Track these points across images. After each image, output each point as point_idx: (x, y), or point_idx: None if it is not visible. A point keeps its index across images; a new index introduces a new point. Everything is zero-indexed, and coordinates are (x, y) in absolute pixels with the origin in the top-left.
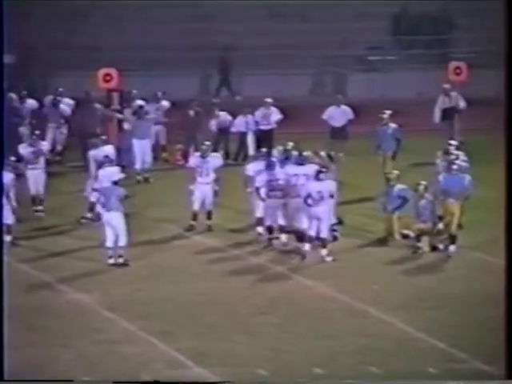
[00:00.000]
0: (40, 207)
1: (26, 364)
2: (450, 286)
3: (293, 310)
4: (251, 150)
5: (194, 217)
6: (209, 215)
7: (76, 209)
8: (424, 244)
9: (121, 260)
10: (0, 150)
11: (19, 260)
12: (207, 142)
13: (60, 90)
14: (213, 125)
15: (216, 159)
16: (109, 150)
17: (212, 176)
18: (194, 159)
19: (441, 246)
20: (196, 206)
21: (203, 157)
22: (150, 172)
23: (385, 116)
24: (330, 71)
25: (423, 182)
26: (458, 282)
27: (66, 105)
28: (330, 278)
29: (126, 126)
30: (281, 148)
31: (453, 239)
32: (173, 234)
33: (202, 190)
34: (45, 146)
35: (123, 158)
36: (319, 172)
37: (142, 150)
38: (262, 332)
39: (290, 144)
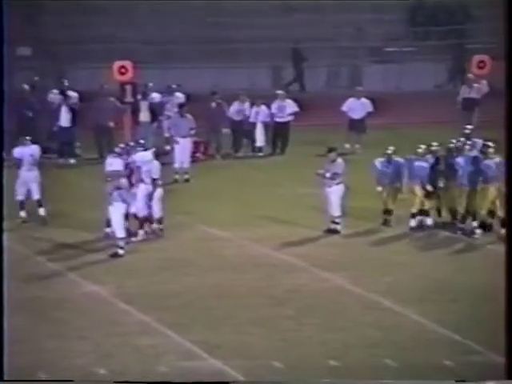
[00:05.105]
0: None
1: (39, 357)
2: (465, 277)
3: (308, 302)
4: (259, 142)
5: None
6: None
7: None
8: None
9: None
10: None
11: (35, 252)
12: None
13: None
14: (232, 113)
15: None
16: (34, 149)
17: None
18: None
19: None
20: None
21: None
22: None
23: (467, 131)
24: (345, 63)
25: None
26: (473, 274)
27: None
28: (345, 270)
29: (141, 118)
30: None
31: None
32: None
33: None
34: None
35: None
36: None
37: (182, 148)
38: (276, 324)
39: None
